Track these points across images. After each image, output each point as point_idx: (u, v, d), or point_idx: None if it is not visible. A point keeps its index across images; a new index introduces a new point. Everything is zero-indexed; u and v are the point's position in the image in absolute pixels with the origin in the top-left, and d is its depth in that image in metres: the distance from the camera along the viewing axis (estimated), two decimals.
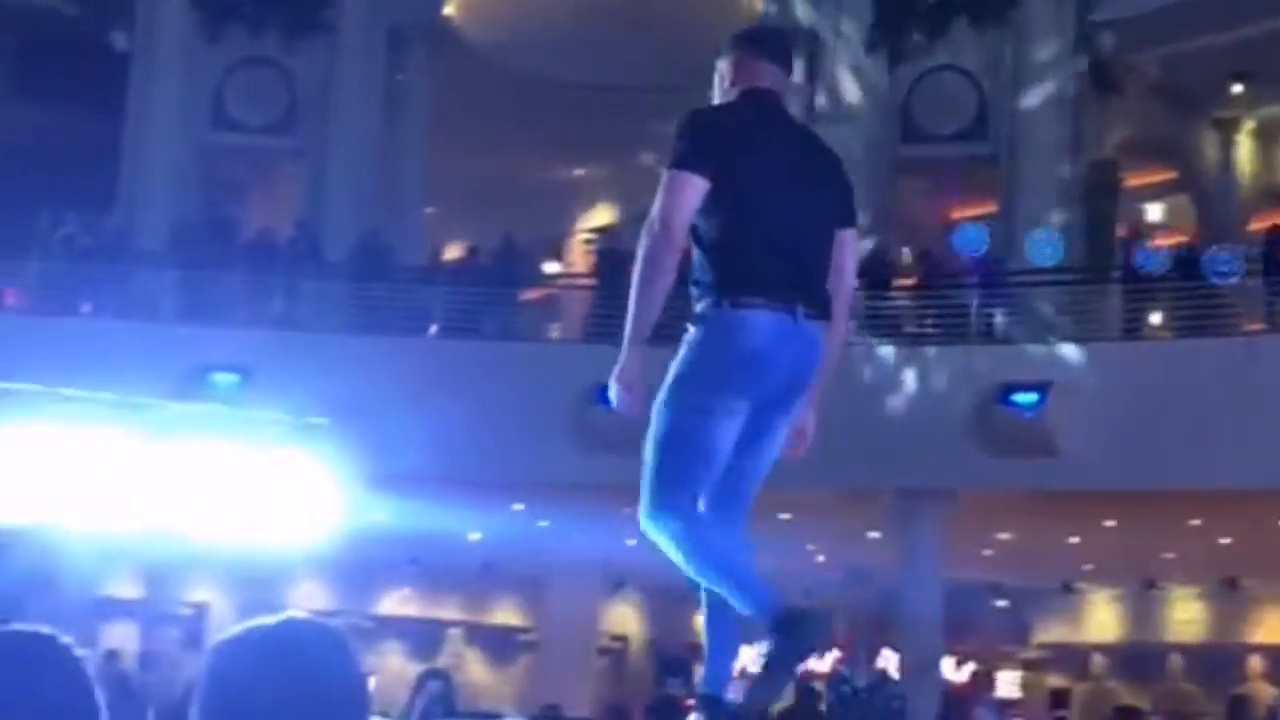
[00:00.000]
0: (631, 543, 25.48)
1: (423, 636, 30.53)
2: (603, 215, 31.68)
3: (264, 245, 23.99)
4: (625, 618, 32.77)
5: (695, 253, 5.13)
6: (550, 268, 31.38)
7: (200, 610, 28.89)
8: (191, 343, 20.68)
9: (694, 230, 5.09)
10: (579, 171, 31.30)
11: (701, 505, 5.23)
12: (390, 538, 23.06)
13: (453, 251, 27.96)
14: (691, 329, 5.10)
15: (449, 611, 31.77)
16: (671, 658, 18.97)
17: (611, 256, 25.42)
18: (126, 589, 25.66)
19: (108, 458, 13.75)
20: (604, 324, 23.72)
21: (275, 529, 15.70)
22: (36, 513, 14.13)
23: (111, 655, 21.48)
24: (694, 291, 5.10)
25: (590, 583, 26.18)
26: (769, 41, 5.67)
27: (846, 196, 5.38)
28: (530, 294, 27.07)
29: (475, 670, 31.03)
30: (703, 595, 5.28)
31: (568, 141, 28.65)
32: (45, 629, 2.65)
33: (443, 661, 27.95)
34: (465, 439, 20.50)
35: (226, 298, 22.48)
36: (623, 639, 32.98)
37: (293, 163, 25.96)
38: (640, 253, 5.04)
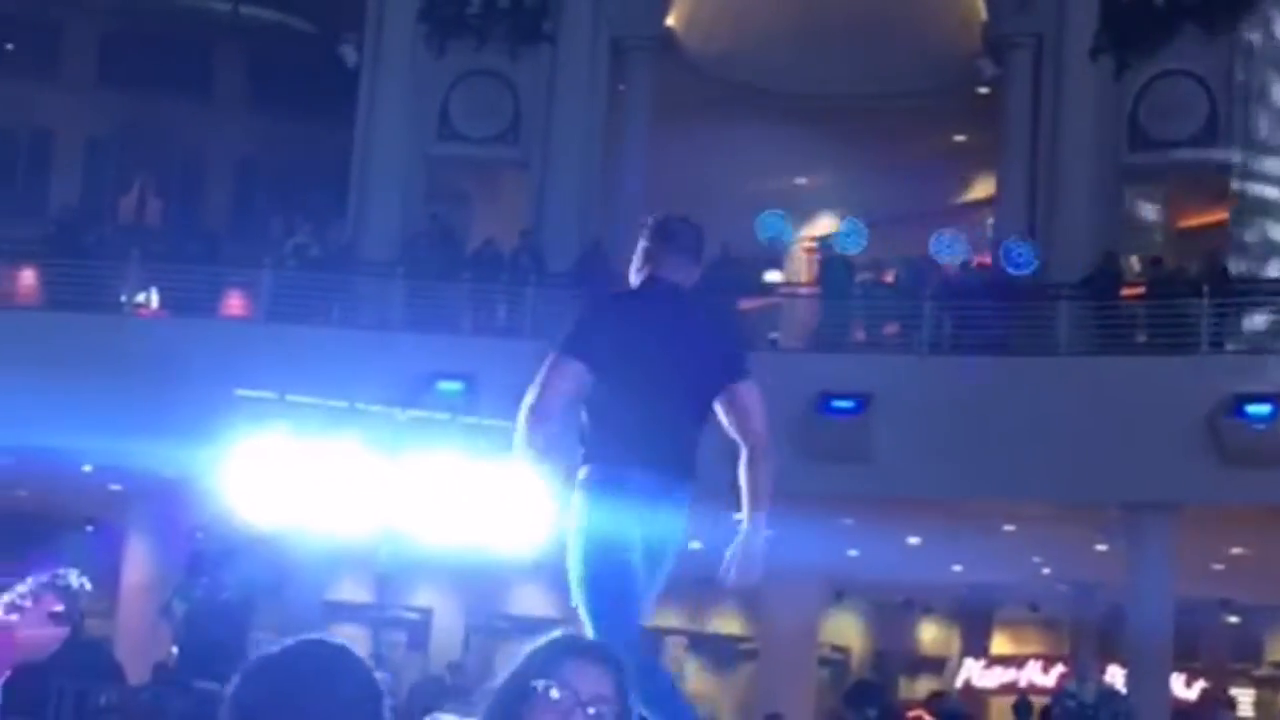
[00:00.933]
0: (853, 553, 25.45)
1: None
2: (825, 223, 31.53)
3: (489, 255, 24.26)
4: (846, 628, 32.56)
5: (582, 420, 5.85)
6: (771, 276, 31.30)
7: (425, 614, 29.31)
8: (418, 350, 20.97)
9: (585, 402, 5.81)
10: (800, 180, 31.19)
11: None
12: None
13: None
14: (576, 491, 5.84)
15: (669, 620, 31.82)
16: (864, 684, 18.88)
17: (834, 265, 25.32)
18: (354, 593, 26.09)
19: (337, 464, 13.99)
20: (829, 332, 23.64)
21: (499, 535, 15.84)
22: (268, 517, 14.43)
23: None
24: (580, 456, 5.85)
25: (811, 593, 26.03)
26: (678, 236, 6.23)
27: (733, 358, 6.22)
28: (751, 302, 27.03)
29: (695, 679, 31.05)
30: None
31: (789, 150, 28.56)
32: (340, 640, 2.85)
33: None
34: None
35: (452, 307, 22.75)
36: (844, 650, 32.78)
37: (516, 173, 26.22)
38: (518, 436, 5.81)
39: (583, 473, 5.85)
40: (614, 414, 5.83)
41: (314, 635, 2.87)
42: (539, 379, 5.78)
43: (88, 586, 3.28)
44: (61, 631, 3.20)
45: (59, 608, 3.20)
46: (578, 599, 5.88)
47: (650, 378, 5.86)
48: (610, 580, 5.83)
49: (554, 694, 2.96)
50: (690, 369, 6.00)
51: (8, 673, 3.15)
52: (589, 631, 5.73)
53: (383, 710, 2.83)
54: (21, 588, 3.23)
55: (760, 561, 6.23)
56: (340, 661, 2.84)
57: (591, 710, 2.97)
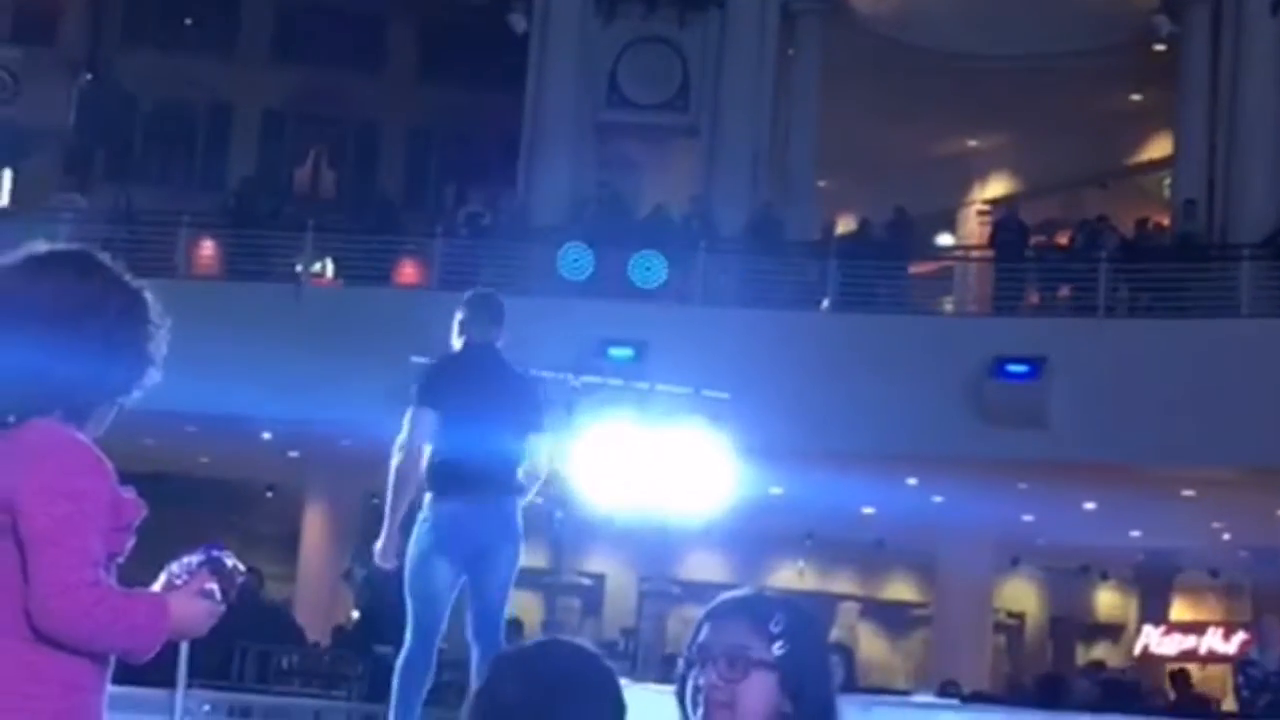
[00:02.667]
0: (1028, 519, 25.23)
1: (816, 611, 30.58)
2: (998, 186, 31.19)
3: (659, 221, 24.29)
4: (1022, 594, 32.27)
5: (428, 459, 7.76)
6: (943, 240, 31.04)
7: (598, 580, 29.49)
8: (589, 317, 21.05)
9: (433, 446, 7.76)
10: (973, 142, 30.87)
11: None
12: (785, 511, 23.14)
13: (845, 224, 27.87)
14: (421, 513, 7.84)
15: (843, 585, 31.76)
16: None
17: (1009, 227, 25.03)
18: (529, 559, 26.27)
19: None
20: (1003, 297, 23.39)
21: (672, 501, 15.88)
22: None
23: (514, 624, 22.03)
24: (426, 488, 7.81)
25: (986, 558, 25.86)
26: (483, 308, 8.16)
27: (535, 411, 8.11)
28: (923, 267, 26.82)
29: (868, 645, 30.96)
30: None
31: (962, 112, 28.27)
32: (580, 641, 3.01)
33: (835, 635, 27.96)
34: (858, 412, 20.44)
35: (620, 272, 22.80)
36: (1019, 616, 32.50)
37: (686, 139, 26.20)
38: (392, 465, 7.76)
39: (426, 500, 7.86)
40: (442, 452, 7.75)
41: (563, 638, 3.03)
42: (404, 430, 7.77)
43: (241, 569, 3.33)
44: (215, 609, 3.25)
45: (212, 586, 3.25)
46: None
47: (473, 415, 7.74)
48: (417, 587, 7.86)
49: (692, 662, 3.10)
50: (503, 404, 7.88)
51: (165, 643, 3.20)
52: (409, 622, 7.88)
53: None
54: (176, 566, 3.28)
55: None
56: (590, 666, 2.94)
57: (724, 661, 3.06)
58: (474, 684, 6.91)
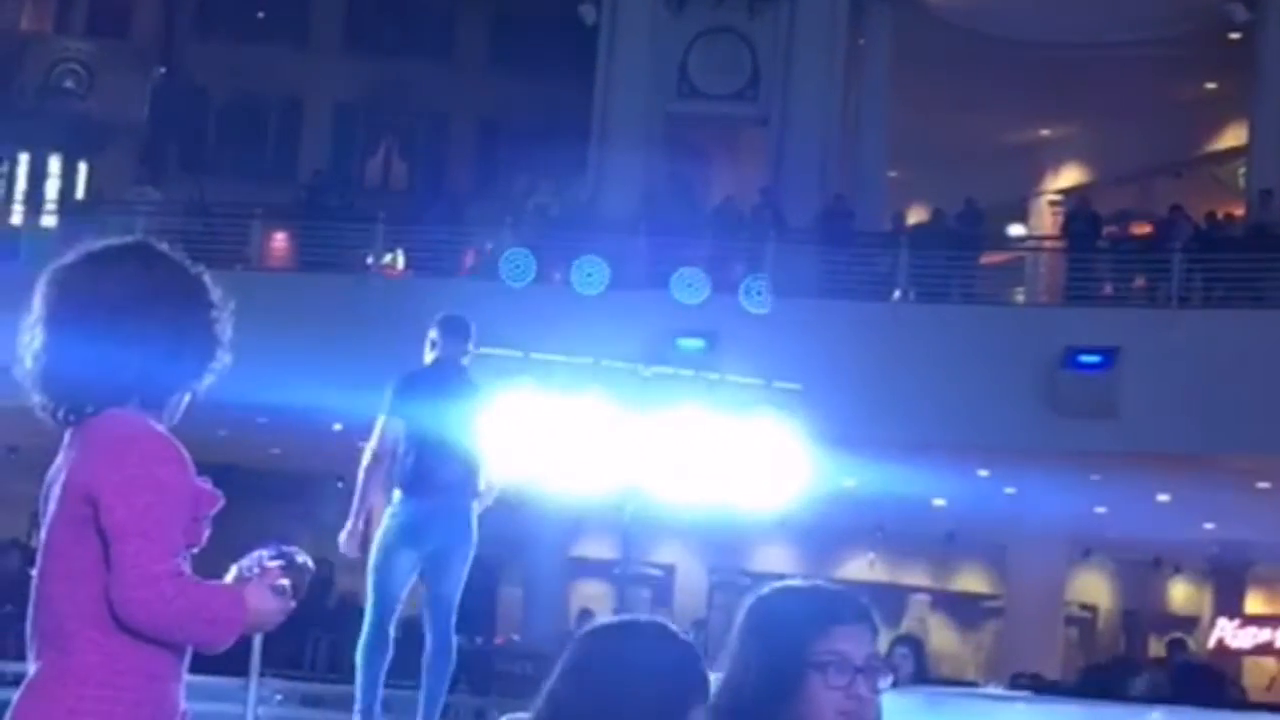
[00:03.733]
0: (1100, 510, 25.03)
1: (886, 602, 30.45)
2: (1070, 176, 30.99)
3: (729, 212, 24.25)
4: (1094, 586, 32.08)
5: (399, 462, 8.72)
6: (1015, 230, 30.86)
7: (668, 571, 29.49)
8: (659, 308, 21.05)
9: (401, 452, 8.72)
10: (1045, 132, 30.68)
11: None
12: (855, 502, 23.07)
13: (916, 215, 27.76)
14: (390, 509, 8.75)
15: (913, 577, 31.65)
16: None
17: (1081, 218, 24.87)
18: (598, 549, 26.34)
19: (582, 421, 14.10)
20: (1076, 287, 23.24)
21: (742, 493, 15.85)
22: (514, 475, 14.60)
23: (584, 614, 22.09)
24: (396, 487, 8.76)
25: (1057, 550, 25.71)
26: (450, 329, 9.13)
27: (484, 424, 9.02)
28: (994, 257, 26.67)
29: (939, 637, 30.84)
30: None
31: (1033, 102, 28.10)
32: (663, 620, 3.01)
33: (906, 627, 27.87)
34: (930, 403, 20.37)
35: (693, 263, 22.77)
36: (1091, 608, 32.31)
37: (756, 129, 26.15)
38: (361, 465, 8.84)
39: (395, 498, 8.78)
40: (407, 459, 8.69)
41: (645, 617, 3.06)
42: (373, 436, 8.81)
43: (310, 565, 3.34)
44: (287, 605, 3.26)
45: (284, 581, 3.26)
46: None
47: (440, 425, 8.67)
48: (381, 576, 8.75)
49: (832, 673, 2.95)
50: (466, 417, 8.83)
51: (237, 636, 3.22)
52: (369, 605, 8.82)
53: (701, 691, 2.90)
54: (246, 560, 3.30)
55: None
56: (673, 644, 2.92)
57: (868, 673, 2.94)
58: (427, 665, 8.81)
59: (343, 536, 8.76)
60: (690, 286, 21.72)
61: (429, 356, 9.12)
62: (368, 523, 8.82)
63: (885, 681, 2.95)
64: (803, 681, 2.94)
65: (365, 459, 8.81)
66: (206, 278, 3.42)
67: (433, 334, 9.14)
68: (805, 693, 2.94)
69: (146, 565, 3.12)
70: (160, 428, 3.29)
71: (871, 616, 3.02)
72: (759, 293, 21.40)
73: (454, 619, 8.87)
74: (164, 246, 3.45)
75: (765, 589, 3.14)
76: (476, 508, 8.85)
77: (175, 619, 3.14)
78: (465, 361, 9.14)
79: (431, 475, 8.67)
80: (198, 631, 3.18)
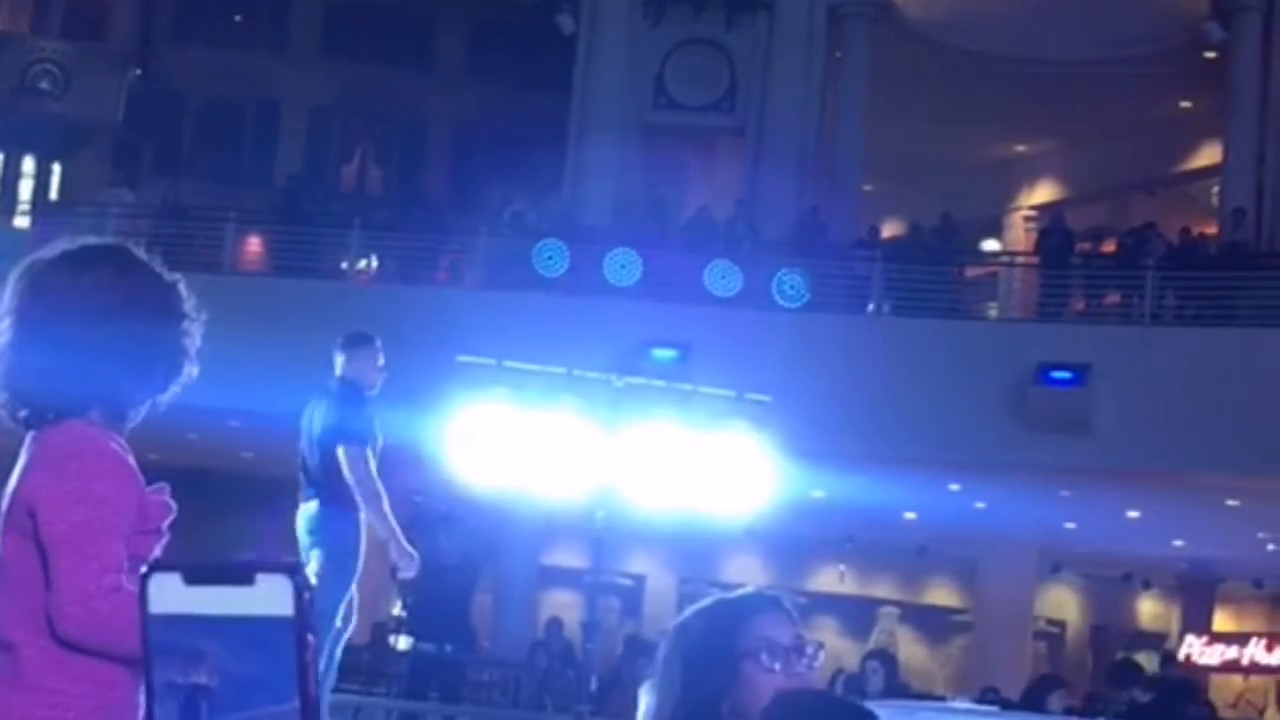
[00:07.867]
0: (1070, 526, 25.08)
1: (856, 615, 30.52)
2: (1045, 192, 31.08)
3: (703, 223, 24.26)
4: (1063, 601, 32.14)
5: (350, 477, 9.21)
6: (989, 245, 30.93)
7: (638, 581, 29.47)
8: (632, 318, 21.05)
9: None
10: (1020, 148, 30.77)
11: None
12: (826, 514, 23.10)
13: (891, 229, 27.81)
14: (344, 524, 9.21)
15: (883, 590, 31.68)
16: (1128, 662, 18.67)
17: (1055, 234, 24.94)
18: (569, 558, 26.32)
19: (554, 430, 14.10)
20: (1049, 303, 23.30)
21: (713, 503, 15.86)
22: (486, 483, 14.58)
23: (554, 622, 22.09)
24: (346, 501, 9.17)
25: (1027, 564, 25.75)
26: (356, 345, 9.65)
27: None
28: (969, 272, 26.73)
29: (908, 650, 30.86)
30: None
31: (1009, 117, 28.18)
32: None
33: (875, 640, 27.89)
34: (902, 417, 20.39)
35: (667, 274, 22.79)
36: (1060, 623, 32.37)
37: (732, 141, 26.17)
38: (384, 506, 9.35)
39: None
40: (359, 473, 9.25)
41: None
42: (371, 471, 9.36)
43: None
44: None
45: None
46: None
47: (374, 446, 9.42)
48: (349, 582, 9.11)
49: (764, 657, 2.96)
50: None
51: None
52: (340, 611, 9.03)
53: None
54: None
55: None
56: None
57: (799, 651, 2.97)
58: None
59: (399, 558, 9.41)
60: (663, 297, 21.75)
61: (345, 372, 9.65)
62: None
63: (818, 659, 2.99)
64: (739, 674, 2.96)
65: (382, 499, 9.33)
66: (181, 286, 3.37)
67: (341, 355, 9.68)
68: (744, 683, 2.95)
69: (81, 582, 3.09)
70: (111, 441, 3.24)
71: (785, 605, 3.05)
72: (792, 287, 21.45)
73: None
74: (140, 252, 3.40)
75: (678, 618, 3.15)
76: None
77: (112, 634, 3.09)
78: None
79: (369, 491, 9.36)
80: (138, 648, 3.16)
